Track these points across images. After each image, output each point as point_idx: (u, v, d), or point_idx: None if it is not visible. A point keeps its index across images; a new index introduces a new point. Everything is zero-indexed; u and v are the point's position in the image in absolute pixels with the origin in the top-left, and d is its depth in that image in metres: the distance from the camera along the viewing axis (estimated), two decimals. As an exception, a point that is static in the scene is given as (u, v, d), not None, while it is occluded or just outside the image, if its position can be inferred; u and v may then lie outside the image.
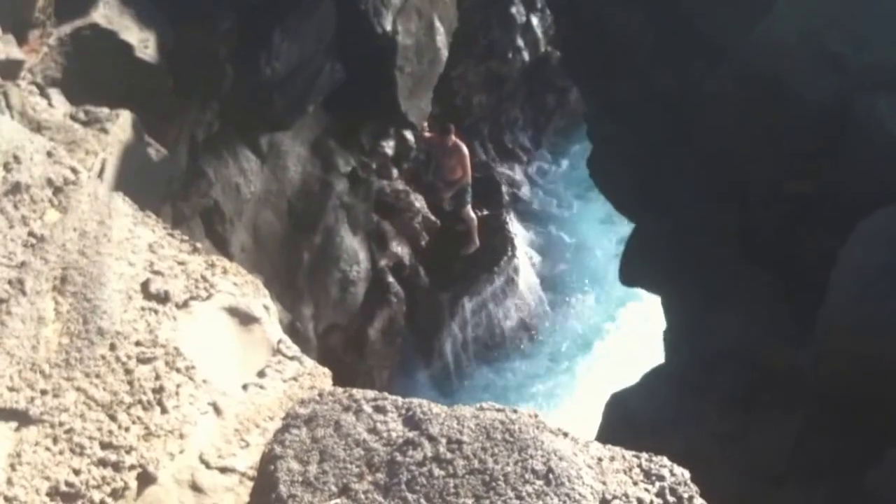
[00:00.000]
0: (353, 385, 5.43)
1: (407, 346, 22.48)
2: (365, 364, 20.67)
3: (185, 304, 5.87)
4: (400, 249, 21.66)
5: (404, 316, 21.99)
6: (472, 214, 22.27)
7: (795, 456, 10.51)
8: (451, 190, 21.67)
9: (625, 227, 21.36)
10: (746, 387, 11.87)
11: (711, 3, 12.74)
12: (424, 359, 22.93)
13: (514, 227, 24.95)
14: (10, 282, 5.52)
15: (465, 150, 21.19)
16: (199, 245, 6.48)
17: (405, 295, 21.86)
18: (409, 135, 21.36)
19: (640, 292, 19.45)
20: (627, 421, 13.10)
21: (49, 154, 6.25)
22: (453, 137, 20.91)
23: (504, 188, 25.91)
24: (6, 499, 4.73)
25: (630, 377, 15.05)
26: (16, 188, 5.93)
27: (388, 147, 20.90)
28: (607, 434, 12.63)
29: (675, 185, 13.76)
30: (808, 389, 10.78)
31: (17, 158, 6.04)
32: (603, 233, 26.53)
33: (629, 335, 24.02)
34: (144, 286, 5.82)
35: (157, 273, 5.94)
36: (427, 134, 21.67)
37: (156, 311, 5.71)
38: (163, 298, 5.79)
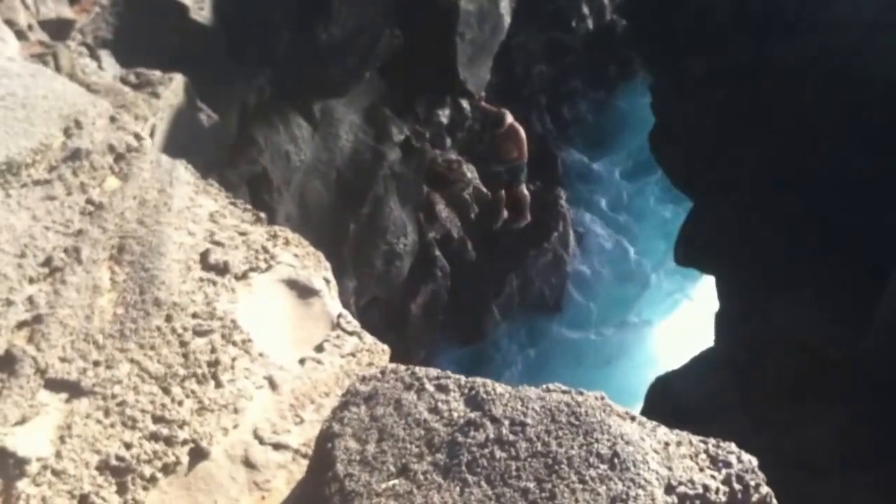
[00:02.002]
0: (391, 361, 5.36)
1: (448, 323, 22.36)
2: (403, 341, 20.53)
3: (244, 276, 5.80)
4: (449, 222, 21.49)
5: (448, 291, 21.82)
6: (526, 192, 22.12)
7: (846, 446, 10.37)
8: (504, 167, 21.49)
9: (679, 206, 21.21)
10: (799, 375, 11.70)
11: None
12: (465, 336, 22.85)
13: (567, 202, 24.73)
14: (66, 250, 5.44)
15: (522, 131, 20.97)
16: (262, 215, 6.40)
17: (451, 269, 21.68)
18: (465, 104, 21.19)
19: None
20: (671, 405, 12.97)
21: (112, 119, 6.18)
22: (509, 119, 20.69)
23: (559, 162, 25.75)
24: (54, 472, 4.66)
25: (678, 361, 14.93)
26: (76, 154, 5.85)
27: (444, 116, 20.72)
28: (649, 417, 12.46)
29: (742, 163, 13.58)
30: (863, 379, 10.63)
31: (78, 123, 5.96)
32: (658, 211, 26.27)
33: (682, 318, 23.84)
34: (203, 256, 5.74)
35: (217, 243, 5.85)
36: (483, 104, 21.47)
37: (214, 283, 5.63)
38: (222, 269, 5.70)
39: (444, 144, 21.43)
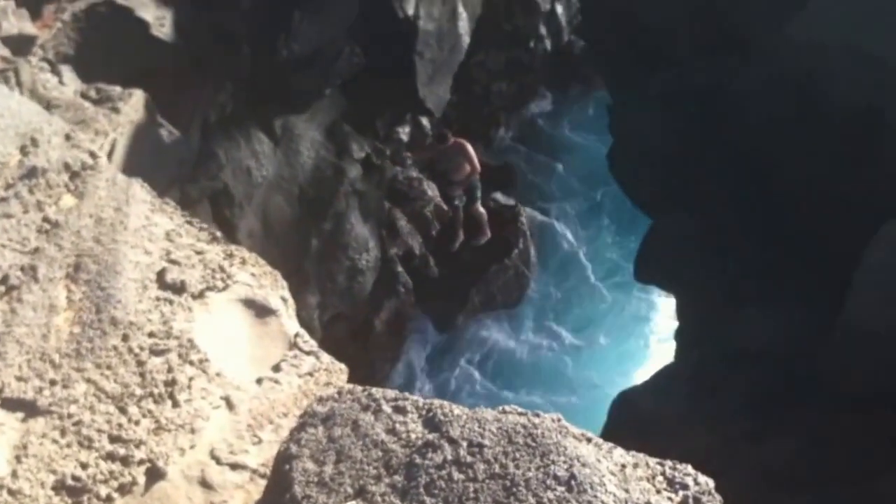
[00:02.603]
0: (353, 377, 5.34)
1: (412, 339, 22.38)
2: (368, 356, 20.54)
3: (200, 295, 5.76)
4: (410, 238, 21.55)
5: (412, 307, 21.87)
6: (482, 210, 22.07)
7: (812, 461, 10.40)
8: (461, 188, 21.45)
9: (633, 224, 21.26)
10: (763, 389, 11.74)
11: (746, -2, 12.66)
12: (427, 353, 22.84)
13: (526, 217, 24.75)
14: (22, 268, 5.42)
15: (468, 145, 20.92)
16: (218, 234, 6.38)
17: (413, 285, 21.72)
18: (425, 121, 21.28)
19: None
20: (635, 421, 12.96)
21: (67, 137, 6.15)
22: (451, 138, 20.63)
23: (518, 179, 25.84)
24: (10, 492, 4.63)
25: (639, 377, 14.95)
26: (32, 172, 5.83)
27: (404, 133, 20.84)
28: (613, 433, 12.45)
29: (701, 182, 13.66)
30: (826, 392, 10.68)
31: (34, 141, 5.94)
32: (613, 229, 26.29)
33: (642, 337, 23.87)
34: (160, 275, 5.71)
35: (173, 262, 5.83)
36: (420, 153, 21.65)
37: (171, 302, 5.60)
38: (178, 288, 5.68)
39: (404, 161, 21.50)
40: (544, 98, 28.42)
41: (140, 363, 5.24)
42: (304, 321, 16.94)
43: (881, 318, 9.72)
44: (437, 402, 4.68)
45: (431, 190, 21.93)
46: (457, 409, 4.60)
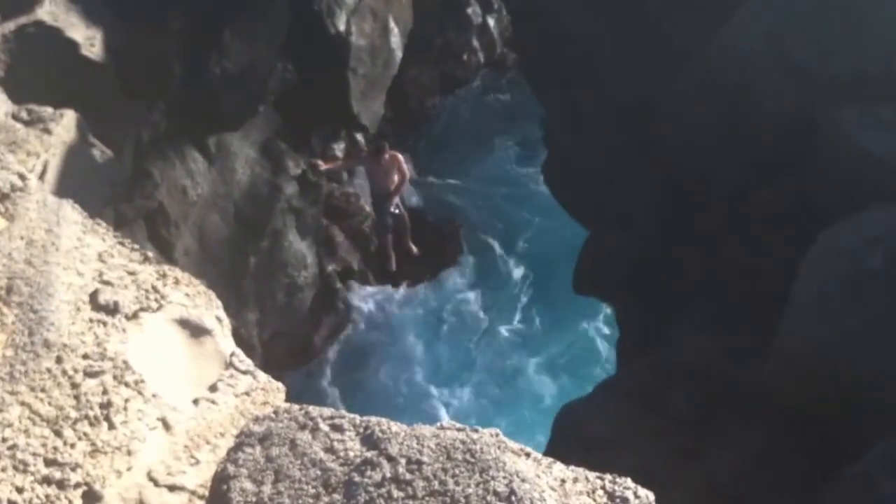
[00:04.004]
0: (292, 393, 5.28)
1: (351, 354, 22.38)
2: (308, 369, 20.55)
3: (134, 316, 5.69)
4: (349, 255, 21.56)
5: (351, 323, 21.90)
6: (406, 219, 22.01)
7: (754, 473, 10.44)
8: (396, 197, 21.37)
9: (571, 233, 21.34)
10: (704, 401, 11.77)
11: (674, 8, 12.70)
12: (365, 368, 22.85)
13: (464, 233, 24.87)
14: (-47, 292, 5.35)
15: (399, 155, 20.93)
16: (150, 254, 6.31)
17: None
18: (360, 137, 21.32)
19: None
20: (578, 435, 12.95)
21: (-4, 160, 6.10)
22: (388, 151, 20.60)
23: (455, 192, 25.96)
24: (-55, 518, 4.57)
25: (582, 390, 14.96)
26: (-40, 195, 5.76)
27: (339, 149, 20.85)
28: (556, 448, 12.46)
29: (634, 194, 13.72)
30: (767, 405, 10.72)
31: (-39, 164, 5.88)
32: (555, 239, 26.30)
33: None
34: (93, 297, 5.64)
35: (106, 283, 5.76)
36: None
37: (104, 323, 5.53)
38: (112, 310, 5.61)
39: (340, 178, 21.50)
40: (478, 111, 28.53)
41: (74, 385, 5.18)
42: (243, 339, 17.01)
43: (817, 332, 9.78)
44: (374, 419, 4.65)
45: (369, 206, 21.96)
46: (394, 426, 4.57)
